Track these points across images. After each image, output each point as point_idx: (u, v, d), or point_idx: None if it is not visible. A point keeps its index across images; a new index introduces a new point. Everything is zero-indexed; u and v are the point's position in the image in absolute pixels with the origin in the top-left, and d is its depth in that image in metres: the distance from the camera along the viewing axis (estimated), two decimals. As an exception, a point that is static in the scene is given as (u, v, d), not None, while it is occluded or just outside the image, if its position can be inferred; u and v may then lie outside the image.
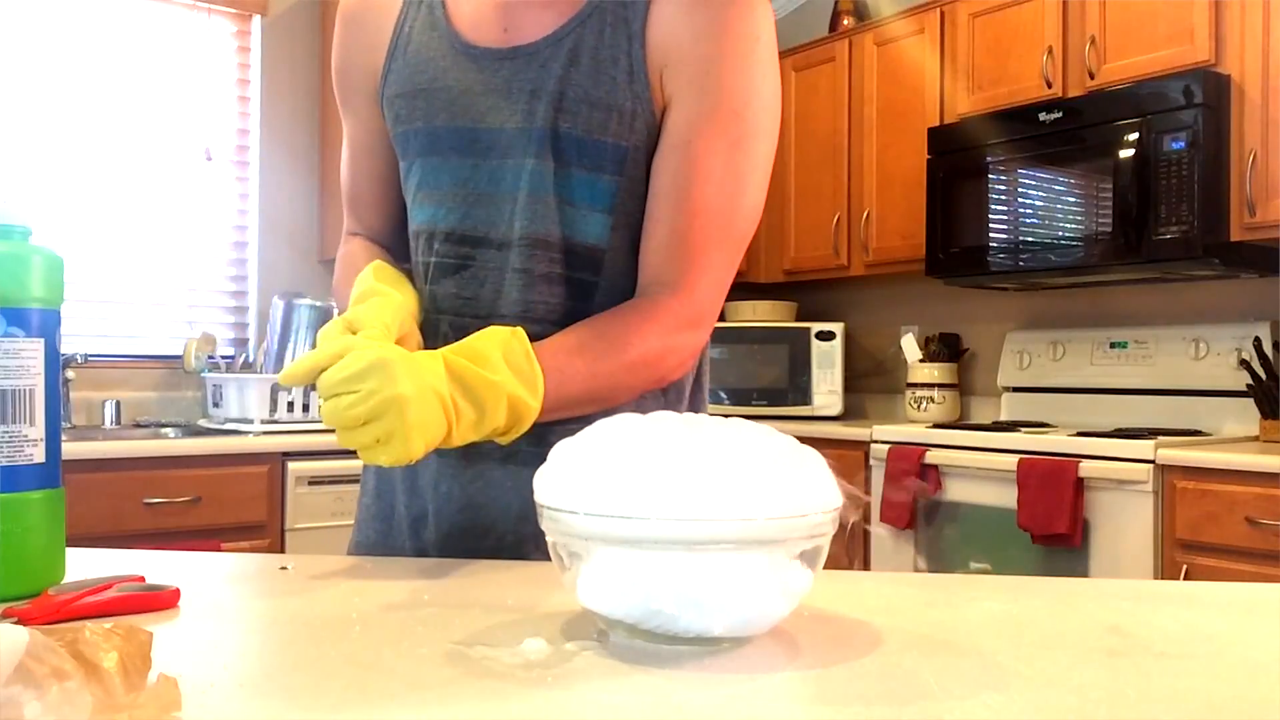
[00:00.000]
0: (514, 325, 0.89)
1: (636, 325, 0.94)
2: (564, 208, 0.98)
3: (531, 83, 0.98)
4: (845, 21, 3.91)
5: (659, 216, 0.97)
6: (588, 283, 0.99)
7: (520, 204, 0.98)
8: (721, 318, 4.42)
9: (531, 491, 0.66)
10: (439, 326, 1.01)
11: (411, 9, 1.05)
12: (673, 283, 0.97)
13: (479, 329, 0.89)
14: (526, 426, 0.87)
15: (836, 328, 3.70)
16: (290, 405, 3.02)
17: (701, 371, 1.10)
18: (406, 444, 0.79)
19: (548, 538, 0.66)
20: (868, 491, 3.13)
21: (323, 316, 3.18)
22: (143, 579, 0.75)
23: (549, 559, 0.67)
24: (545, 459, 0.67)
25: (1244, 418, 2.88)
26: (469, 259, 1.00)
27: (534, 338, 0.89)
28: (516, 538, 0.99)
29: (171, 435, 3.05)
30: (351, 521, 1.11)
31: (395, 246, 1.13)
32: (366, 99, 1.09)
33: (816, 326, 3.72)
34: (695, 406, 1.10)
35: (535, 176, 0.98)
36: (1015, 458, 2.75)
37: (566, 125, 0.97)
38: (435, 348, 0.86)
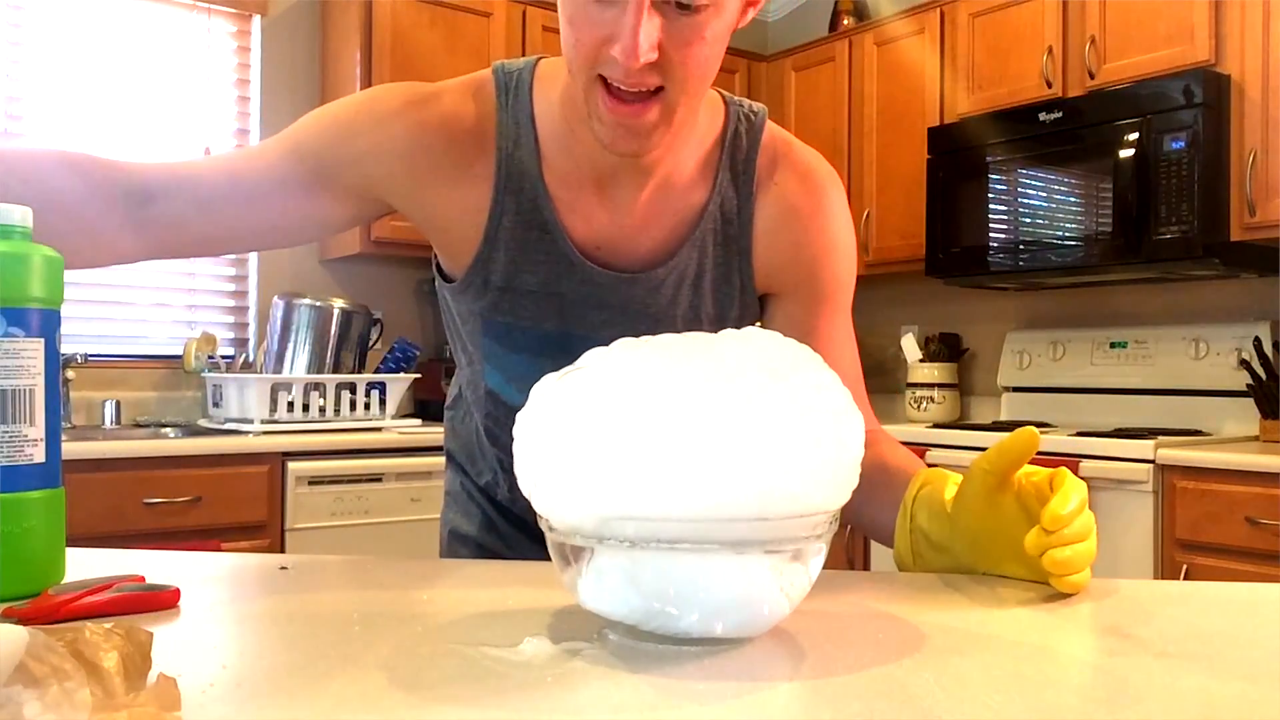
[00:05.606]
0: None
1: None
2: None
3: (654, 308, 1.00)
4: (845, 21, 3.91)
5: None
6: None
7: None
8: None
9: None
10: None
11: (506, 196, 0.98)
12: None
13: None
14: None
15: (836, 328, 3.69)
16: (290, 405, 3.01)
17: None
18: None
19: (548, 538, 0.66)
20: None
21: (323, 316, 3.17)
22: (143, 579, 0.75)
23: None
24: None
25: (1244, 418, 2.88)
26: None
27: None
28: None
29: (171, 435, 3.04)
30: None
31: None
32: (351, 194, 0.98)
33: (816, 326, 3.71)
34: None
35: None
36: (1015, 458, 2.75)
37: None
38: None
